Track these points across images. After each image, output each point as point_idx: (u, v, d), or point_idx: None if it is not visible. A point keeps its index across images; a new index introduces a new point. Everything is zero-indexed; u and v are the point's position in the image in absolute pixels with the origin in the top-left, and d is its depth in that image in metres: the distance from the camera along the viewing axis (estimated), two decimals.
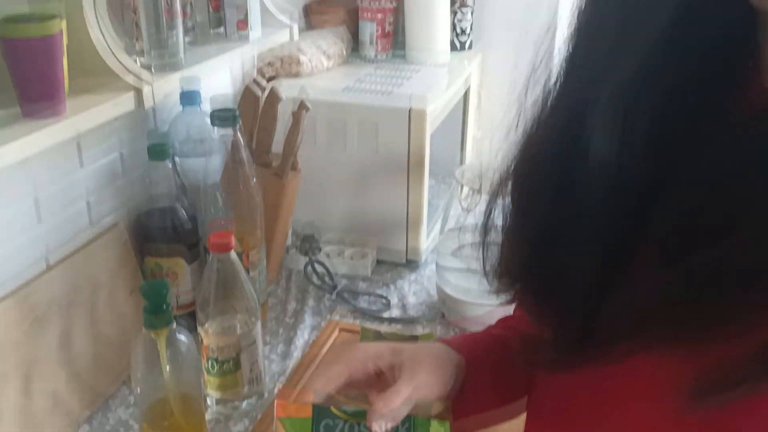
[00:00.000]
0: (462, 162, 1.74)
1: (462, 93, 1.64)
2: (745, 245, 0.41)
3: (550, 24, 0.57)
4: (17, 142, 0.73)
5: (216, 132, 1.14)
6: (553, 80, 0.54)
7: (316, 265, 1.38)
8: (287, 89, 1.42)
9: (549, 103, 0.54)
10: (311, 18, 1.69)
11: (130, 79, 0.90)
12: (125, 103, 0.89)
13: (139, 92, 0.90)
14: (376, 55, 1.64)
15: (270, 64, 1.48)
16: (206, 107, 1.23)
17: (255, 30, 1.20)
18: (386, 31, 1.63)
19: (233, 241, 0.97)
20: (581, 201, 0.50)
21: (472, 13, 1.71)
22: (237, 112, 1.12)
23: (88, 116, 0.83)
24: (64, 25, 0.81)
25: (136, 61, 1.01)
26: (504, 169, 0.58)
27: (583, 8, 0.51)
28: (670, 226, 0.47)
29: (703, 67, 0.47)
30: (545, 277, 0.55)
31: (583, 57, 0.51)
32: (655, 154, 0.48)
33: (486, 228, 0.62)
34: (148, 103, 0.92)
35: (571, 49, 0.52)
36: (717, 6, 0.45)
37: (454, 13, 1.68)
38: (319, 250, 1.42)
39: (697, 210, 0.45)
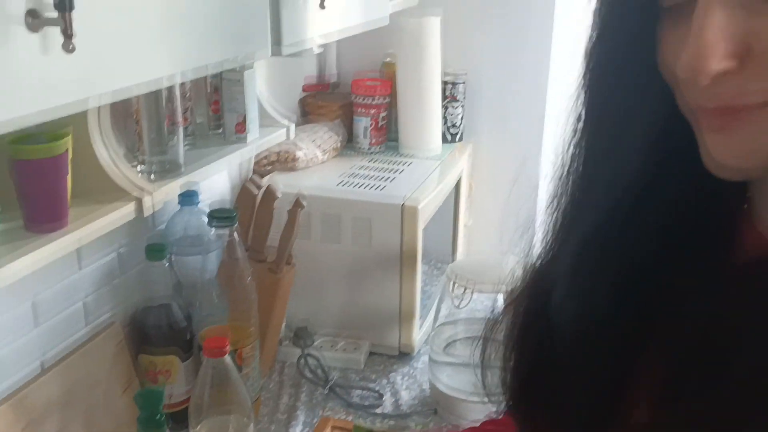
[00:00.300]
0: (454, 250, 1.77)
1: (453, 183, 1.68)
2: (734, 395, 0.41)
3: (533, 182, 0.61)
4: (21, 260, 0.76)
5: (213, 231, 1.18)
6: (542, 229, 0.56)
7: (309, 359, 1.39)
8: (283, 183, 1.46)
9: (537, 252, 0.57)
10: (307, 112, 1.75)
11: (131, 190, 0.94)
12: (126, 213, 0.92)
13: (139, 202, 0.93)
14: (369, 148, 1.69)
15: (267, 158, 1.53)
16: (204, 205, 1.27)
17: (253, 132, 1.25)
18: (380, 124, 1.69)
19: (228, 346, 0.99)
20: (567, 347, 0.51)
21: (462, 107, 1.77)
22: (234, 213, 1.15)
23: (90, 228, 0.86)
24: (69, 141, 0.85)
25: (136, 167, 1.04)
26: (507, 295, 0.61)
27: (557, 163, 0.53)
28: (658, 374, 0.47)
29: (679, 217, 0.49)
30: (540, 406, 0.56)
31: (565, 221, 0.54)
32: (636, 303, 0.49)
33: (485, 345, 0.64)
34: (148, 212, 0.95)
35: (552, 216, 0.54)
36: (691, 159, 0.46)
37: (445, 107, 1.75)
38: (312, 342, 1.43)
39: (686, 360, 0.45)
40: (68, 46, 0.50)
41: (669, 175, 0.48)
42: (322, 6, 0.91)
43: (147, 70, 0.67)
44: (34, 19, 0.50)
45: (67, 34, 0.50)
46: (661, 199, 0.49)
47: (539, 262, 0.57)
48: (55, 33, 0.51)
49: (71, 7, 0.50)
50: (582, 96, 0.50)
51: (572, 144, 0.52)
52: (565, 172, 0.53)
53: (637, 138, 0.47)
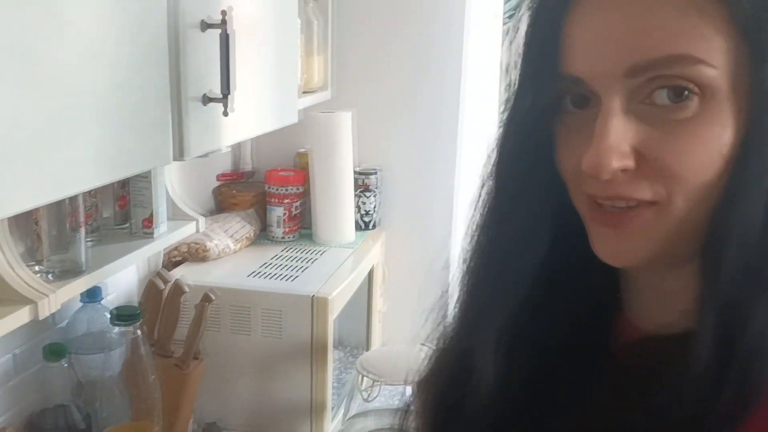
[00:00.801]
0: (369, 337, 1.79)
1: (367, 271, 1.71)
2: None
3: (446, 262, 0.65)
4: None
5: (117, 328, 1.15)
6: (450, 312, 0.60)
7: None
8: (194, 274, 1.45)
9: (448, 338, 0.60)
10: (221, 201, 1.76)
11: (27, 293, 0.92)
12: (20, 318, 0.89)
13: (35, 306, 0.91)
14: (283, 237, 1.71)
15: (177, 249, 1.52)
16: (110, 301, 1.24)
17: (161, 227, 1.25)
18: (293, 214, 1.71)
19: None
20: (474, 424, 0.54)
21: (375, 196, 1.82)
22: (138, 311, 1.14)
23: None
24: None
25: (35, 266, 1.02)
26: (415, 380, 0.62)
27: (466, 260, 0.57)
28: None
29: (573, 310, 0.54)
30: None
31: (470, 298, 0.57)
32: (536, 386, 0.53)
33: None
34: (44, 315, 0.93)
35: (463, 288, 0.58)
36: (583, 260, 0.51)
37: (358, 196, 1.79)
38: None
39: None
40: None
41: (558, 265, 0.53)
42: (225, 114, 0.94)
43: (45, 193, 0.67)
44: None
45: None
46: (555, 289, 0.54)
47: (447, 346, 0.59)
48: None
49: None
50: (487, 186, 0.55)
51: (477, 232, 0.56)
52: (470, 261, 0.57)
53: (533, 229, 0.52)
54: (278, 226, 1.70)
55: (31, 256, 1.03)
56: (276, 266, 1.54)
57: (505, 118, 0.53)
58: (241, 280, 1.44)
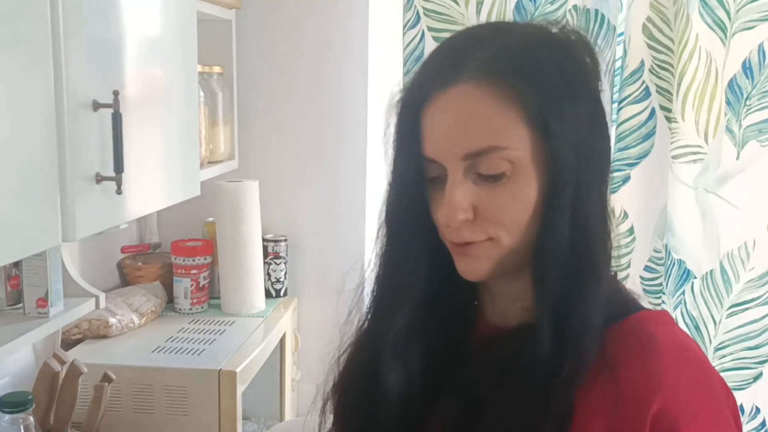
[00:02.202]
0: (282, 406, 1.75)
1: (278, 339, 1.69)
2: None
3: (360, 280, 0.80)
4: None
5: (7, 416, 1.10)
6: (360, 326, 0.77)
7: None
8: (94, 352, 1.40)
9: (355, 348, 0.77)
10: (126, 274, 1.72)
11: None
12: None
13: None
14: (191, 309, 1.68)
15: (78, 326, 1.47)
16: (4, 384, 1.18)
17: (57, 305, 1.20)
18: (201, 285, 1.69)
19: None
20: (382, 413, 0.71)
21: (285, 263, 1.82)
22: (29, 397, 1.09)
23: None
24: None
25: None
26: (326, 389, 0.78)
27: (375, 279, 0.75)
28: (445, 424, 0.69)
29: (447, 315, 0.73)
30: None
31: (374, 313, 0.75)
32: (426, 378, 0.72)
33: None
34: None
35: (369, 306, 0.76)
36: (452, 279, 0.71)
37: (268, 264, 1.78)
38: None
39: (459, 416, 0.68)
40: None
41: (436, 284, 0.72)
42: (119, 192, 0.93)
43: None
44: None
45: None
46: (434, 303, 0.73)
47: (356, 353, 0.76)
48: None
49: None
50: (382, 230, 0.73)
51: (377, 265, 0.75)
52: (372, 286, 0.75)
53: (416, 262, 0.71)
54: (185, 298, 1.67)
55: None
56: (182, 340, 1.50)
57: (387, 183, 0.72)
58: (144, 357, 1.40)
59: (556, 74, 0.64)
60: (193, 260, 1.67)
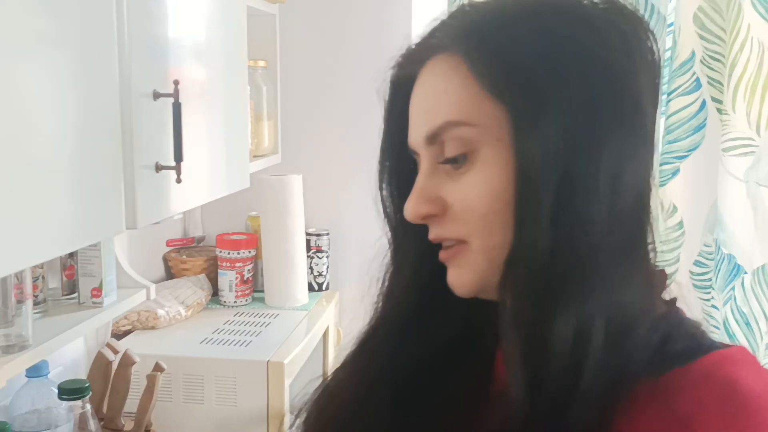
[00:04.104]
0: None
1: (322, 332, 1.70)
2: None
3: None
4: None
5: (64, 403, 1.11)
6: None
7: None
8: (144, 343, 1.42)
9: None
10: (171, 267, 1.73)
11: None
12: None
13: None
14: (235, 302, 1.69)
15: (127, 318, 1.48)
16: (56, 374, 1.20)
17: (110, 296, 1.22)
18: (245, 278, 1.70)
19: None
20: None
21: (328, 257, 1.82)
22: (86, 384, 1.10)
23: None
24: None
25: None
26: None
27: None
28: None
29: (460, 353, 0.61)
30: None
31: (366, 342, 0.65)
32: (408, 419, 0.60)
33: None
34: None
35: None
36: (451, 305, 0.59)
37: (310, 258, 1.79)
38: None
39: None
40: None
41: (441, 311, 0.61)
42: (178, 181, 0.94)
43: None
44: None
45: None
46: (440, 333, 0.61)
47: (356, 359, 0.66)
48: None
49: None
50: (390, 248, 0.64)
51: (382, 278, 0.64)
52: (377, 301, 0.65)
53: (415, 278, 0.61)
54: (230, 291, 1.68)
55: None
56: (229, 332, 1.51)
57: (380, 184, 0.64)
58: (193, 348, 1.42)
59: (539, 48, 0.51)
60: (238, 253, 1.68)
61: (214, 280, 1.72)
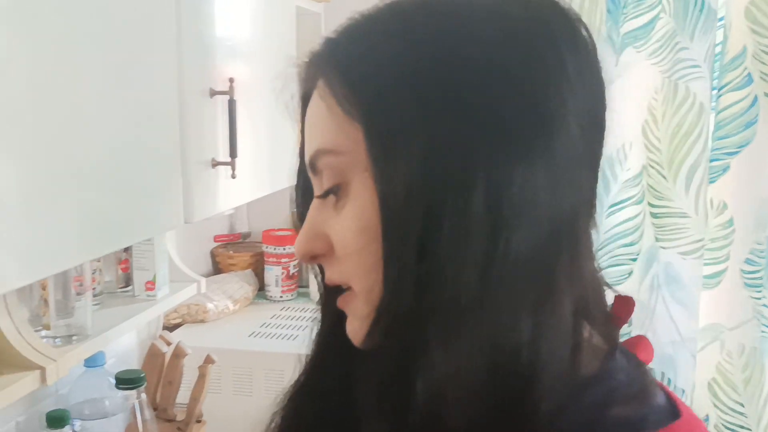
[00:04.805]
0: None
1: None
2: None
3: None
4: None
5: (119, 392, 1.15)
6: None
7: None
8: (194, 336, 1.45)
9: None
10: (218, 262, 1.77)
11: (35, 359, 0.92)
12: (29, 384, 0.89)
13: (43, 371, 0.91)
14: (281, 296, 1.71)
15: (177, 311, 1.52)
16: (112, 364, 1.24)
17: (163, 289, 1.25)
18: (291, 273, 1.72)
19: None
20: None
21: None
22: (142, 374, 1.13)
23: None
24: None
25: (40, 331, 1.02)
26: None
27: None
28: None
29: None
30: None
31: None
32: None
33: None
34: (52, 380, 0.92)
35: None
36: None
37: None
38: None
39: None
40: None
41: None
42: (233, 176, 0.96)
43: (60, 262, 0.69)
44: None
45: None
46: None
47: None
48: None
49: None
50: None
51: None
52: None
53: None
54: (276, 286, 1.71)
55: (37, 321, 1.03)
56: (276, 326, 1.54)
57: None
58: (242, 341, 1.44)
59: (393, 60, 0.44)
60: (284, 249, 1.71)
61: (260, 275, 1.75)
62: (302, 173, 0.53)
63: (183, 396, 1.30)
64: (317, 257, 0.49)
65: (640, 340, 0.51)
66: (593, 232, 0.48)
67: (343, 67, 0.46)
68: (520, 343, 0.42)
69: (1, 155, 0.59)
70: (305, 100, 0.51)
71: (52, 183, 0.66)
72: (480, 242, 0.42)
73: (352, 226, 0.46)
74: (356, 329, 0.48)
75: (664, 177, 1.56)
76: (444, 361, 0.42)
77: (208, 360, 1.28)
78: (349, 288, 0.48)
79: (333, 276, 0.48)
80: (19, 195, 0.62)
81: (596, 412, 0.43)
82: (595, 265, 0.49)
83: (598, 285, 0.48)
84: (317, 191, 0.49)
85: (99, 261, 1.20)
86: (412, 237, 0.42)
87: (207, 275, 1.71)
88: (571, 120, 0.43)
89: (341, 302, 0.49)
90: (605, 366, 0.46)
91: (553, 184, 0.43)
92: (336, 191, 0.47)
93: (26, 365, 0.92)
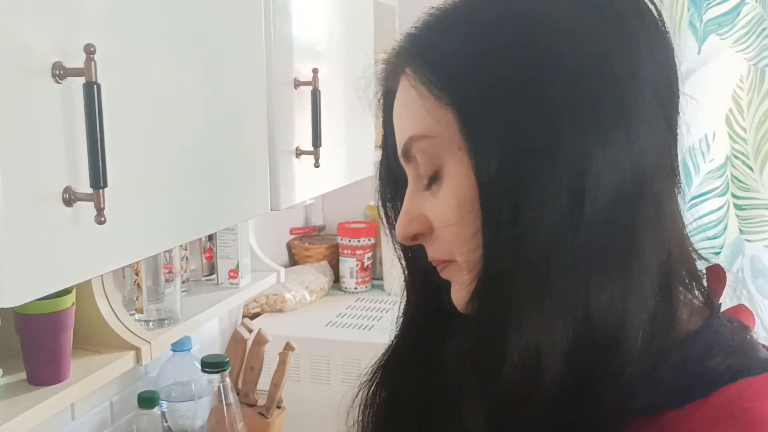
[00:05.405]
0: None
1: None
2: None
3: None
4: (22, 416, 0.77)
5: (205, 376, 1.19)
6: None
7: None
8: (272, 325, 1.49)
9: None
10: (294, 254, 1.81)
11: (131, 340, 0.96)
12: (125, 363, 0.94)
13: (138, 352, 0.96)
14: (356, 288, 1.74)
15: (256, 300, 1.56)
16: (196, 350, 1.28)
17: (245, 278, 1.29)
18: (365, 265, 1.75)
19: None
20: None
21: None
22: (227, 359, 1.17)
23: (90, 380, 0.88)
24: (74, 296, 0.88)
25: (133, 315, 1.07)
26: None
27: None
28: None
29: None
30: None
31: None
32: None
33: None
34: (146, 361, 0.97)
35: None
36: None
37: None
38: None
39: None
40: (100, 219, 0.56)
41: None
42: (316, 165, 0.99)
43: (160, 244, 0.72)
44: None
45: (100, 208, 0.55)
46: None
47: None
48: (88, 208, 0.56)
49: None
50: None
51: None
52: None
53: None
54: (351, 277, 1.73)
55: (131, 306, 1.08)
56: (351, 316, 1.56)
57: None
58: (319, 330, 1.47)
59: (475, 47, 0.48)
60: (358, 241, 1.73)
61: (334, 267, 1.78)
62: (386, 165, 0.59)
63: (263, 383, 1.34)
64: (417, 237, 0.53)
65: (741, 308, 0.53)
66: (680, 199, 0.50)
67: (430, 56, 0.50)
68: (608, 300, 0.45)
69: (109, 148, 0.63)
70: (388, 96, 0.56)
71: (148, 171, 0.69)
72: (567, 205, 0.45)
73: (451, 202, 0.50)
74: (460, 296, 0.52)
75: (750, 167, 1.52)
76: (537, 319, 0.45)
77: (288, 347, 1.31)
78: (450, 261, 0.52)
79: (436, 254, 0.53)
80: (119, 184, 0.65)
81: (697, 364, 0.46)
82: (684, 230, 0.51)
83: (686, 249, 0.50)
84: (413, 177, 0.53)
85: (186, 249, 1.25)
86: (505, 204, 0.46)
87: (284, 266, 1.75)
88: (645, 87, 0.46)
89: (445, 274, 0.53)
90: (707, 323, 0.49)
91: (632, 147, 0.46)
92: (434, 175, 0.51)
93: (122, 346, 0.96)
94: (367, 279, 1.76)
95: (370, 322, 1.53)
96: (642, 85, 0.46)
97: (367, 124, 1.37)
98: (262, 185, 0.92)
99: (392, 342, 0.64)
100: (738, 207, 1.54)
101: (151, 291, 1.09)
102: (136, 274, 1.07)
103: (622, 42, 0.47)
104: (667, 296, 0.47)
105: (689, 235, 0.51)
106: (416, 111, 0.51)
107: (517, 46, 0.47)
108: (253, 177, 0.90)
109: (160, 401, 1.17)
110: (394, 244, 0.60)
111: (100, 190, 0.55)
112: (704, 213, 1.56)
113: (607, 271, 0.45)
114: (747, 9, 1.47)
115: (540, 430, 0.46)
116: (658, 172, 0.47)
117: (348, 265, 1.73)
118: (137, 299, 1.08)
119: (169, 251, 1.10)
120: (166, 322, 1.08)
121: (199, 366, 1.19)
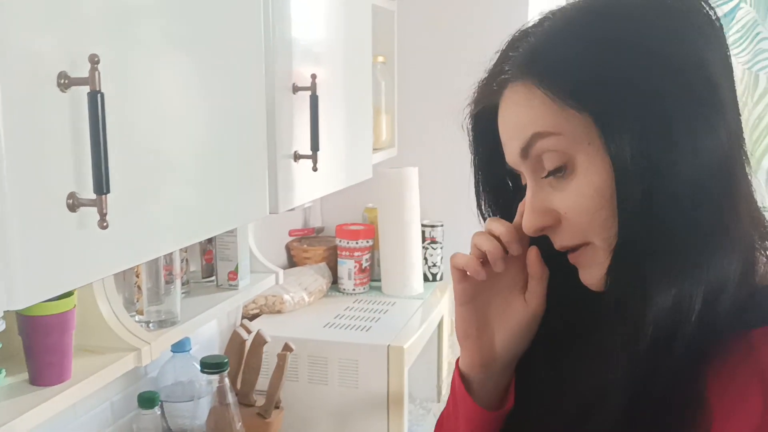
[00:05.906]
0: (439, 389, 1.80)
1: (437, 322, 1.73)
2: None
3: None
4: (24, 416, 0.78)
5: (204, 377, 1.20)
6: None
7: None
8: (271, 326, 1.50)
9: None
10: (293, 255, 1.82)
11: (131, 341, 0.98)
12: (126, 364, 0.95)
13: (139, 353, 0.97)
14: (354, 289, 1.75)
15: (255, 302, 1.58)
16: (195, 351, 1.30)
17: (244, 279, 1.31)
18: (363, 267, 1.76)
19: None
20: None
21: (442, 248, 1.85)
22: (226, 360, 1.19)
23: (91, 380, 0.89)
24: (75, 298, 0.90)
25: (134, 317, 1.08)
26: None
27: None
28: None
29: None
30: None
31: None
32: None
33: None
34: (146, 362, 0.98)
35: None
36: None
37: (425, 248, 1.83)
38: None
39: None
40: (102, 224, 0.57)
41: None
42: (314, 169, 1.00)
43: (162, 247, 0.73)
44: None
45: (103, 213, 0.57)
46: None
47: None
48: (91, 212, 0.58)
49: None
50: None
51: None
52: None
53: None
54: (349, 279, 1.75)
55: (131, 307, 1.09)
56: (349, 317, 1.58)
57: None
58: (317, 331, 1.49)
59: (598, 55, 0.57)
60: (357, 243, 1.75)
61: (333, 269, 1.79)
62: (482, 170, 0.70)
63: (262, 383, 1.35)
64: (545, 229, 0.61)
65: None
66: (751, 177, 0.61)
67: (555, 68, 0.58)
68: (720, 260, 0.56)
69: (112, 155, 0.64)
70: (483, 114, 0.66)
71: (149, 177, 0.71)
72: (687, 184, 0.55)
73: (587, 192, 0.58)
74: (596, 274, 0.60)
75: None
76: (667, 286, 0.55)
77: (287, 348, 1.32)
78: (584, 245, 0.60)
79: (567, 241, 0.60)
80: (121, 190, 0.67)
81: None
82: (755, 199, 0.61)
83: (761, 215, 0.60)
84: (531, 174, 0.61)
85: (186, 252, 1.27)
86: (638, 189, 0.55)
87: (282, 268, 1.77)
88: (719, 75, 0.57)
89: (575, 259, 0.61)
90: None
91: (728, 130, 0.57)
92: (562, 170, 0.59)
93: (123, 347, 0.98)
94: (365, 280, 1.77)
95: (368, 323, 1.54)
96: (726, 77, 0.58)
97: (366, 128, 1.39)
98: (261, 189, 0.93)
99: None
100: None
101: (152, 293, 1.11)
102: (137, 276, 1.08)
103: (708, 42, 0.57)
104: (751, 254, 0.59)
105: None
106: (540, 114, 0.58)
107: (632, 55, 0.56)
108: (252, 181, 0.92)
109: (161, 401, 1.18)
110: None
111: (103, 196, 0.57)
112: None
113: (716, 236, 0.56)
114: (741, 13, 1.49)
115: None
116: (740, 151, 0.58)
117: (346, 266, 1.75)
118: (138, 301, 1.09)
119: (170, 254, 1.11)
120: (166, 323, 1.09)
121: (198, 366, 1.21)
